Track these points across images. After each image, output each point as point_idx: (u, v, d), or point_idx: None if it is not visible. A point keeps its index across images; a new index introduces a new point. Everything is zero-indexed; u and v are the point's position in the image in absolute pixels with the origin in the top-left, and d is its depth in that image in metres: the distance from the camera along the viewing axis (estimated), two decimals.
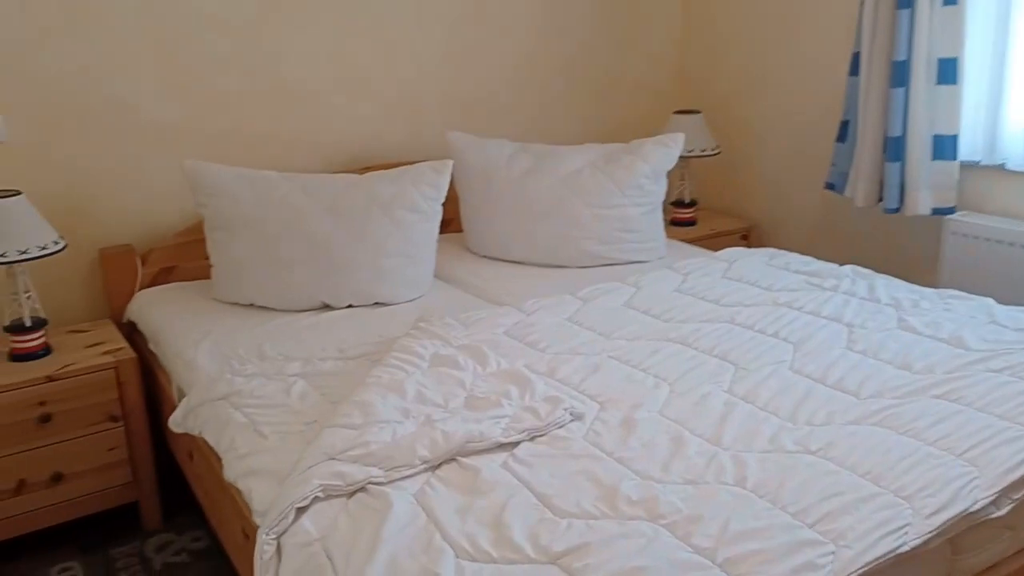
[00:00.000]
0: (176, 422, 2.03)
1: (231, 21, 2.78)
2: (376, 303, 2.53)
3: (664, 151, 2.87)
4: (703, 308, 2.31)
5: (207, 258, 2.62)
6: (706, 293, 2.42)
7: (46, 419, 2.29)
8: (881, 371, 1.89)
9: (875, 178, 2.93)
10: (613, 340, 2.13)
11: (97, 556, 2.38)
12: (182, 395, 2.19)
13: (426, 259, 2.61)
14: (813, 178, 3.35)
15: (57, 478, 2.33)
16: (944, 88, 2.74)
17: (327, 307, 2.51)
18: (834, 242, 3.31)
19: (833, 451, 1.56)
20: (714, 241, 3.40)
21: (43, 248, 2.27)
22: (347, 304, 2.51)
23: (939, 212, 2.83)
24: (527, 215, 2.84)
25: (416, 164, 2.63)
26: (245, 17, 2.80)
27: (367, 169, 3.04)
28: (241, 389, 1.94)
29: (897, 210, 2.86)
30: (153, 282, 2.75)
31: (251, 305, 2.53)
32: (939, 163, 2.80)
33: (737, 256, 2.74)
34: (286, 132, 2.96)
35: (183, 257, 2.79)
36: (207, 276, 2.68)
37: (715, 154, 3.47)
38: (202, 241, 2.66)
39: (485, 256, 2.94)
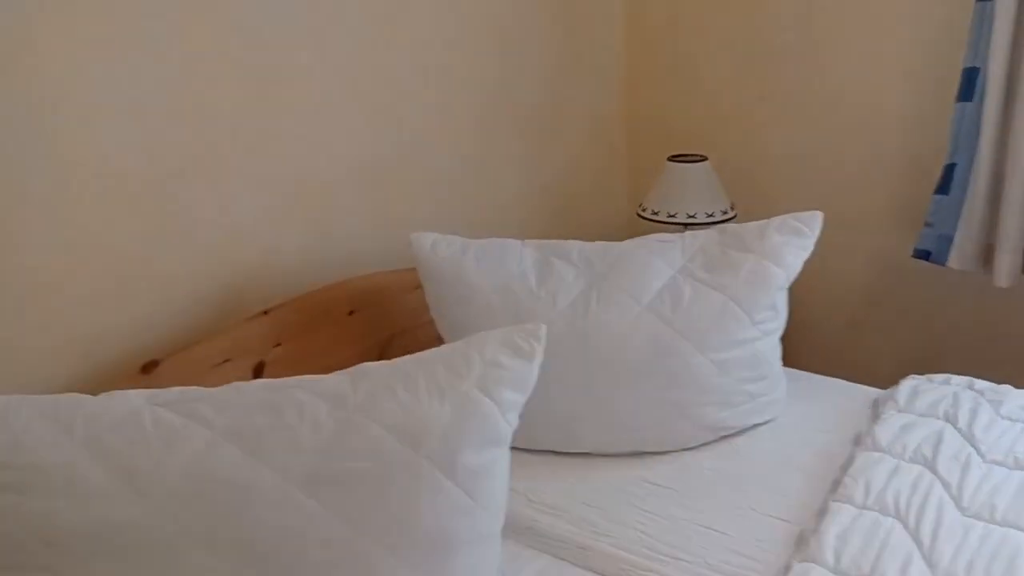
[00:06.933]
0: None
1: None
2: None
3: (798, 243, 1.74)
4: None
5: None
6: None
7: None
8: None
9: (1019, 246, 2.11)
10: None
11: None
12: None
13: (495, 528, 1.26)
14: (865, 243, 2.45)
15: None
16: None
17: None
18: (910, 325, 2.45)
19: None
20: None
21: None
22: None
23: None
24: (599, 376, 1.60)
25: (474, 339, 1.24)
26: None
27: (269, 312, 1.62)
28: None
29: None
30: None
31: None
32: None
33: (942, 401, 1.67)
34: (106, 253, 1.44)
35: None
36: None
37: (730, 218, 2.43)
38: None
39: (530, 449, 1.63)
